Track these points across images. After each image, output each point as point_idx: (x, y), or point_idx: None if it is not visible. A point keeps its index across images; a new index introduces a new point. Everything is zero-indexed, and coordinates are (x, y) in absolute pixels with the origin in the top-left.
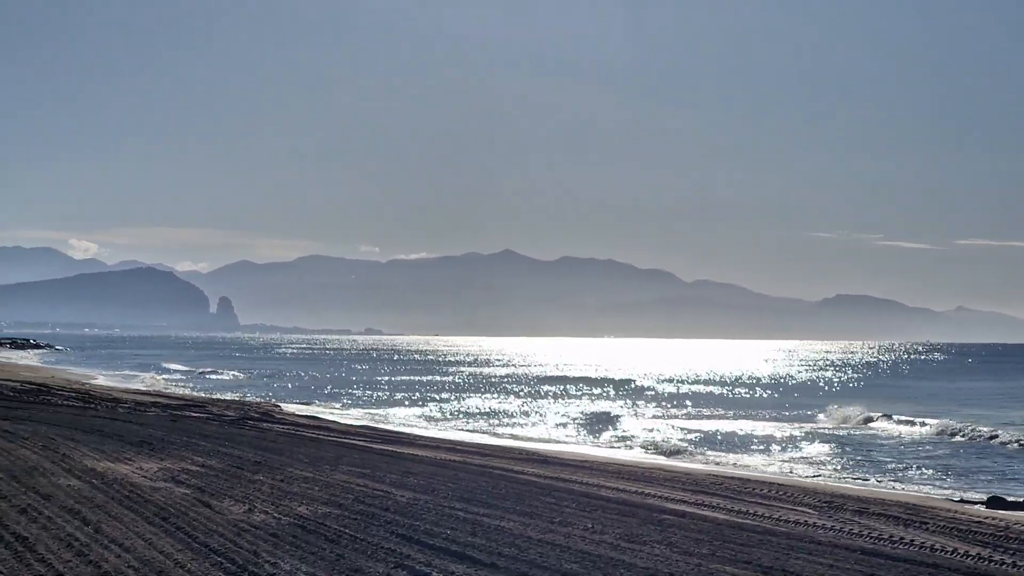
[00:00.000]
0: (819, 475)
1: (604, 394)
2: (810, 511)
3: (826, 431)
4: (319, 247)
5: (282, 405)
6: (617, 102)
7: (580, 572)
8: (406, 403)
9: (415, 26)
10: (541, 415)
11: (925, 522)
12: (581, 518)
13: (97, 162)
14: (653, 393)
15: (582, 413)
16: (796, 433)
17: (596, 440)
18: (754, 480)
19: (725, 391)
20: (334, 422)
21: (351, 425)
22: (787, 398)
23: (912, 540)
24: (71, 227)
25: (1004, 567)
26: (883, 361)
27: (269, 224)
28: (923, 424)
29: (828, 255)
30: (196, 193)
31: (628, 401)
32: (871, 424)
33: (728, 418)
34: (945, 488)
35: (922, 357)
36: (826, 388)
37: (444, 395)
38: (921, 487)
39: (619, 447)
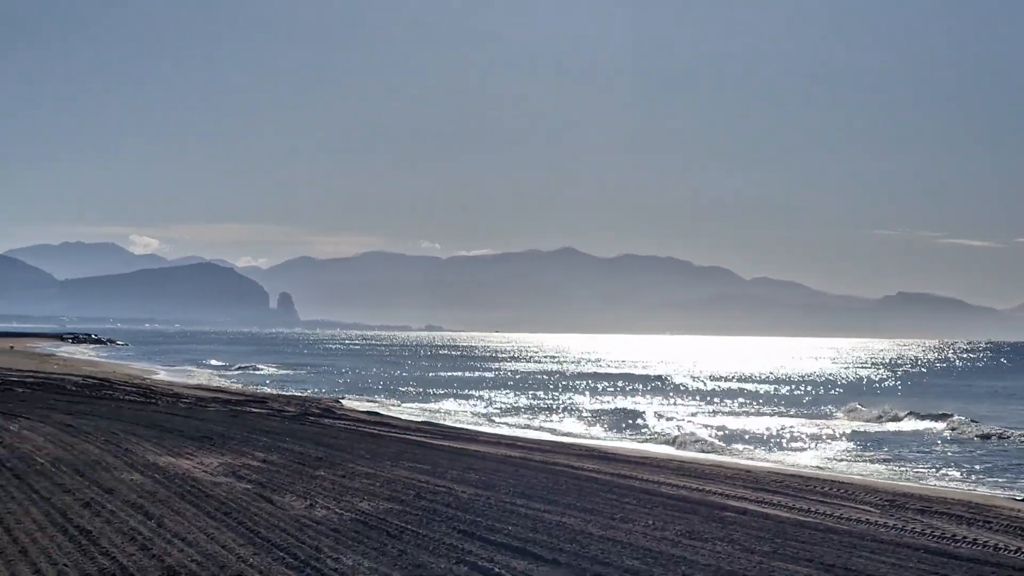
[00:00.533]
0: (872, 472)
1: (643, 390)
2: (872, 509)
3: (854, 429)
4: (380, 243)
5: (343, 401)
6: (678, 100)
7: (642, 569)
8: (464, 399)
9: (478, 25)
10: (576, 410)
11: (989, 521)
12: (642, 514)
13: (159, 158)
14: (691, 389)
15: (615, 408)
16: (820, 431)
17: (624, 434)
18: (815, 478)
19: (764, 388)
20: (395, 418)
21: (411, 421)
22: (826, 396)
23: (976, 539)
24: (132, 223)
25: None
26: (940, 360)
27: (330, 220)
28: (945, 421)
29: (889, 253)
30: (257, 189)
31: (664, 398)
32: (900, 422)
33: (761, 415)
34: (1001, 488)
35: (980, 356)
36: (867, 386)
37: (500, 391)
38: (980, 486)
39: (641, 440)
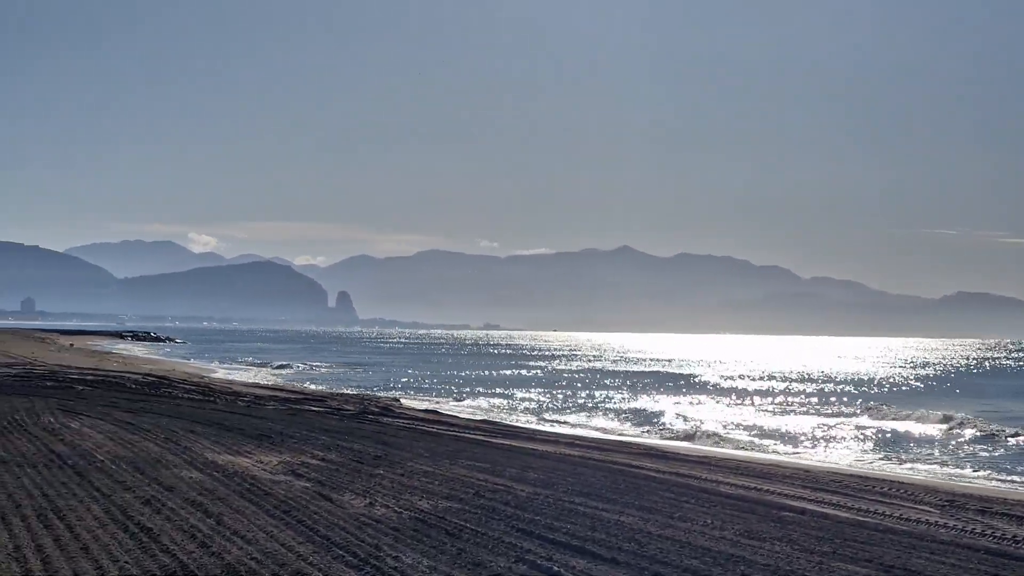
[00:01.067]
0: (920, 473)
1: (672, 387)
2: (932, 510)
3: (880, 428)
4: (438, 242)
5: (402, 399)
6: (734, 98)
7: (701, 568)
8: (520, 397)
9: (532, 22)
10: (602, 407)
11: None
12: (700, 514)
13: (218, 157)
14: (722, 388)
15: (638, 408)
16: (836, 429)
17: (642, 429)
18: (874, 478)
19: (800, 387)
20: (453, 416)
21: (470, 419)
22: (861, 395)
23: None
24: (191, 221)
25: None
26: (995, 360)
27: (388, 218)
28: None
29: (949, 252)
30: (316, 187)
31: (692, 395)
32: (945, 423)
33: (787, 413)
34: None
35: None
36: (911, 386)
37: (553, 390)
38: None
39: (661, 437)
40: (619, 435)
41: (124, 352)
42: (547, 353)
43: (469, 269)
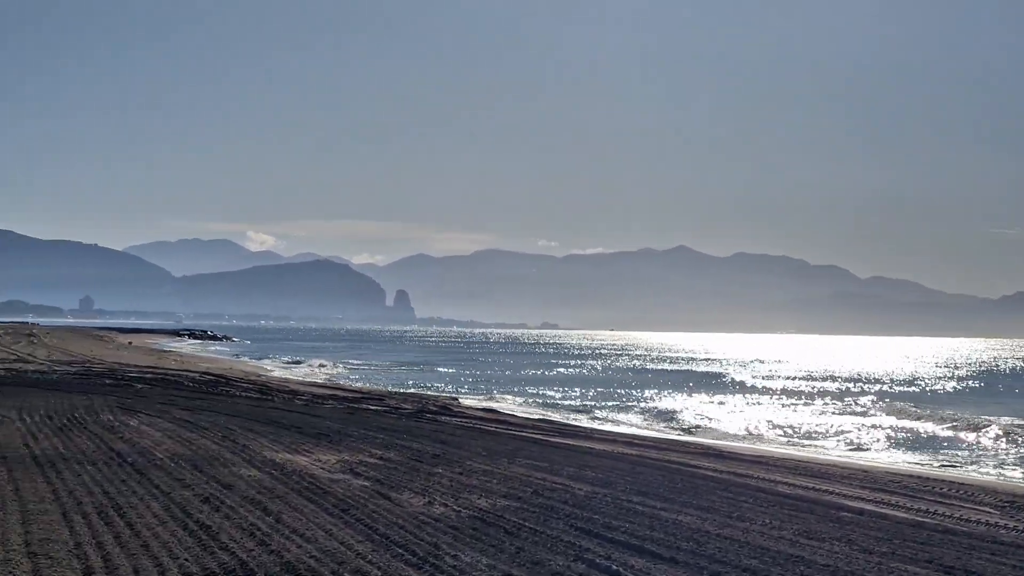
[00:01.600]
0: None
1: (697, 386)
2: (992, 510)
3: (902, 426)
4: (497, 241)
5: (460, 398)
6: (794, 98)
7: (760, 568)
8: (574, 396)
9: (594, 19)
10: (629, 405)
11: None
12: (759, 514)
13: (275, 156)
14: (748, 386)
15: (661, 408)
16: (851, 426)
17: (658, 426)
18: (933, 478)
19: (831, 386)
20: (511, 415)
21: (527, 418)
22: (895, 395)
23: None
24: (248, 220)
25: None
26: None
27: (447, 217)
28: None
29: (1010, 252)
30: (373, 186)
31: (715, 394)
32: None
33: (801, 410)
34: None
35: None
36: (952, 388)
37: (606, 388)
38: None
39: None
40: (657, 433)
41: (182, 350)
42: (589, 352)
43: (527, 268)
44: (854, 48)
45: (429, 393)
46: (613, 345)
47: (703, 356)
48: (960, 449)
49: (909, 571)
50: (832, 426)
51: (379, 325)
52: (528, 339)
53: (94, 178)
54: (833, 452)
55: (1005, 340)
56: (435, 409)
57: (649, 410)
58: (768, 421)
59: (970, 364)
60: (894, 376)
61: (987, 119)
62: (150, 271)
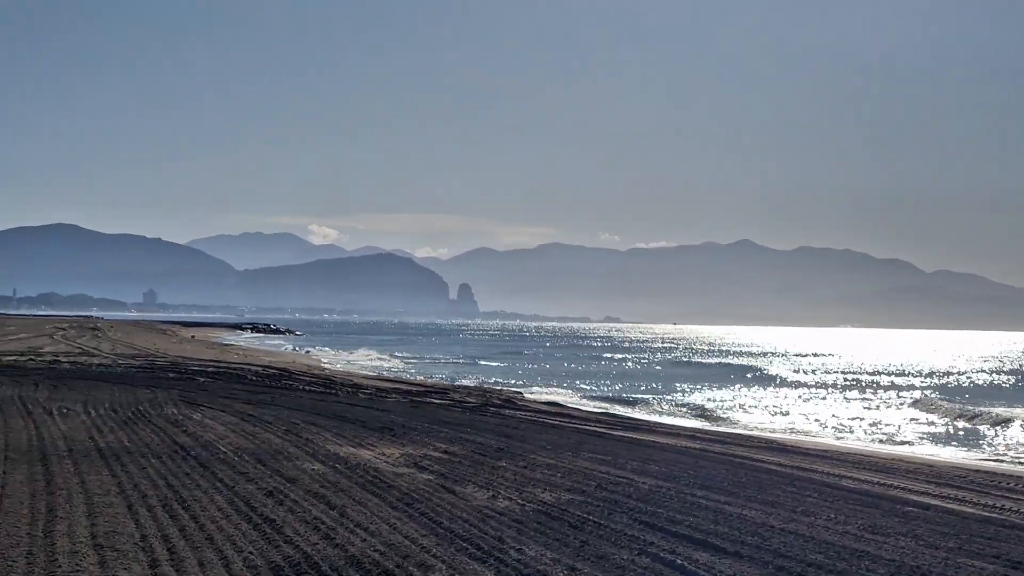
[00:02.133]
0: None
1: (734, 378)
2: None
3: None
4: (560, 235)
5: (523, 392)
6: (854, 93)
7: (825, 563)
8: (636, 390)
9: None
10: (660, 396)
11: None
12: (823, 508)
13: (338, 149)
14: (783, 379)
15: (692, 401)
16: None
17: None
18: (1000, 473)
19: (870, 379)
20: (574, 408)
21: (590, 412)
22: (932, 388)
23: None
24: (311, 213)
25: None
26: None
27: (510, 211)
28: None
29: None
30: (436, 179)
31: (747, 386)
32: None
33: (824, 403)
34: None
35: None
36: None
37: (669, 383)
38: None
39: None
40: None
41: (244, 344)
42: (639, 345)
43: (590, 262)
44: (921, 42)
45: (493, 386)
46: (672, 338)
47: (758, 350)
48: (1018, 446)
49: (976, 567)
50: (879, 420)
51: (442, 319)
52: (588, 333)
53: (158, 173)
54: (876, 445)
55: None
56: (499, 403)
57: (686, 404)
58: (806, 415)
59: None
60: (949, 370)
61: None
62: (213, 265)
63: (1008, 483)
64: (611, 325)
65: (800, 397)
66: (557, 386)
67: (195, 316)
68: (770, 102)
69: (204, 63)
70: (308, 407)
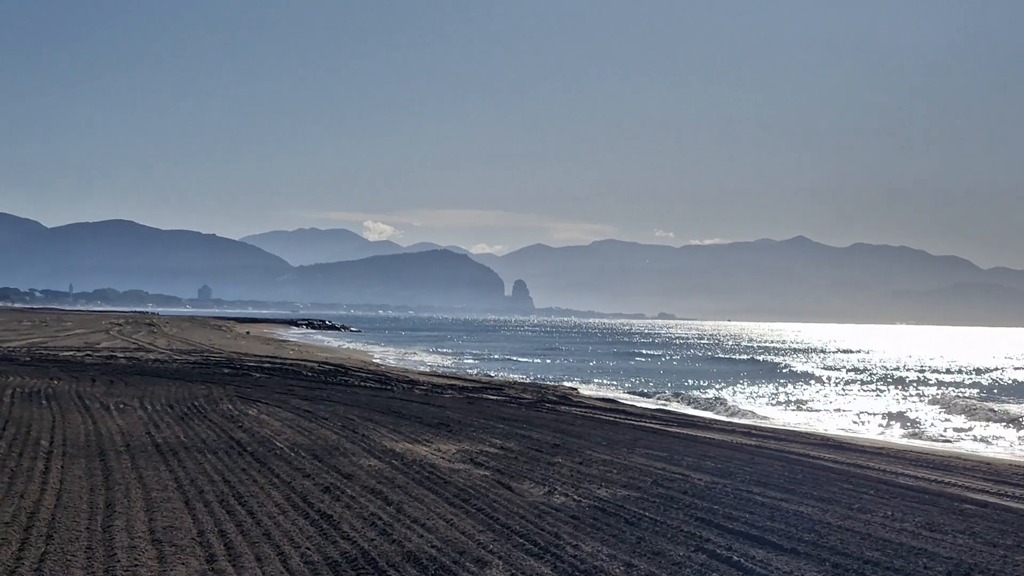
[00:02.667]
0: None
1: (756, 374)
2: None
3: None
4: (615, 231)
5: (579, 388)
6: (908, 89)
7: (882, 560)
8: (688, 387)
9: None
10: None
11: None
12: (880, 505)
13: (394, 146)
14: (813, 375)
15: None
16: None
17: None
18: None
19: (901, 375)
20: (629, 405)
21: (645, 408)
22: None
23: None
24: (367, 209)
25: None
26: None
27: (565, 208)
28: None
29: None
30: (492, 176)
31: (789, 383)
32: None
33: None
34: None
35: None
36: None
37: (716, 381)
38: None
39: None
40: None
41: (299, 340)
42: (679, 342)
43: (644, 259)
44: (983, 37)
45: (548, 383)
46: (724, 335)
47: (801, 346)
48: None
49: None
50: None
51: (497, 315)
52: (634, 329)
53: (213, 170)
54: (931, 443)
55: None
56: (554, 399)
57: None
58: (828, 410)
59: None
60: (1000, 367)
61: None
62: (268, 261)
63: None
64: (664, 322)
65: (828, 392)
66: (599, 382)
67: (250, 312)
68: (827, 98)
69: (263, 60)
70: (364, 403)
